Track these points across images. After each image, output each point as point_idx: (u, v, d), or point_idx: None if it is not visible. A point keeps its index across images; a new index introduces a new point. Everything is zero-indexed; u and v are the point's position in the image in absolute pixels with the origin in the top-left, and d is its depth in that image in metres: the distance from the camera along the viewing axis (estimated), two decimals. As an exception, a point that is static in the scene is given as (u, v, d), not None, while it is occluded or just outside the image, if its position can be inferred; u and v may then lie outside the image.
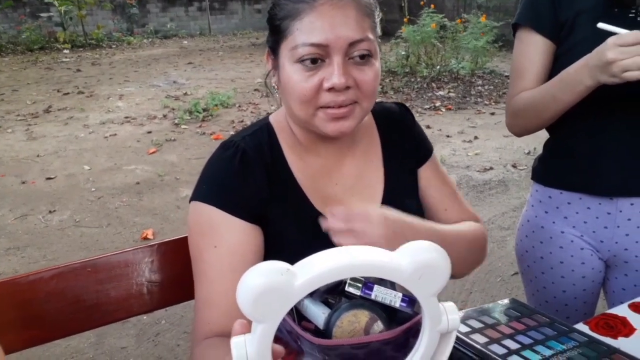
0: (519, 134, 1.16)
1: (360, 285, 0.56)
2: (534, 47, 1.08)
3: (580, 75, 0.93)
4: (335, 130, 0.76)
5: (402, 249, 0.44)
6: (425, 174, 0.94)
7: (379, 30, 0.80)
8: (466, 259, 0.89)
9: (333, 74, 0.72)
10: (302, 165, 0.84)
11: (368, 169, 0.89)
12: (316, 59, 0.72)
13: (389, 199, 0.87)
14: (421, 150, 0.95)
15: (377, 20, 0.79)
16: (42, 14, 12.24)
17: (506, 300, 0.88)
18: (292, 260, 0.76)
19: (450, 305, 0.50)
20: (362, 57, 0.73)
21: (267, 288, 0.40)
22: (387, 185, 0.89)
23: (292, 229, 0.81)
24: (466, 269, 0.90)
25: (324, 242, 0.80)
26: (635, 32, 0.85)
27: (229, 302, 0.73)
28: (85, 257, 0.94)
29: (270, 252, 0.81)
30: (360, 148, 0.89)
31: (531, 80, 1.08)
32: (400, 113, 0.95)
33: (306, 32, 0.72)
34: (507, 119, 1.16)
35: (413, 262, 0.42)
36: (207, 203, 0.78)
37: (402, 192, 0.90)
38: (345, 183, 0.86)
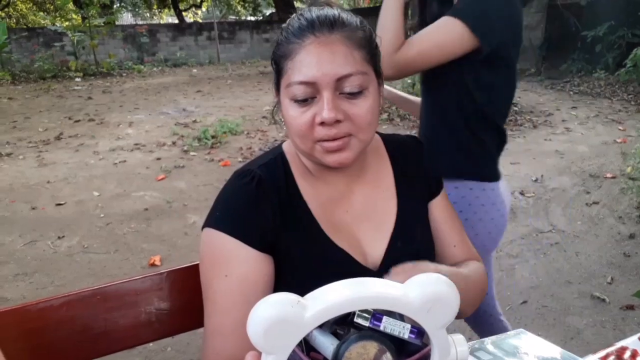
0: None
1: (369, 316, 0.56)
2: None
3: None
4: (334, 162, 0.78)
5: (411, 281, 0.45)
6: (436, 208, 0.96)
7: (374, 61, 0.80)
8: (474, 300, 0.92)
9: (323, 109, 0.74)
10: (313, 193, 0.85)
11: (379, 196, 0.90)
12: (306, 98, 0.75)
13: (401, 226, 0.88)
14: (432, 184, 0.96)
15: (377, 49, 0.80)
16: (55, 44, 12.53)
17: (515, 331, 0.88)
18: (302, 288, 0.78)
19: (459, 338, 0.50)
20: (352, 92, 0.75)
21: (277, 320, 0.40)
22: (399, 213, 0.89)
23: (303, 256, 0.81)
24: (470, 310, 0.92)
25: (335, 270, 0.81)
26: None
27: (239, 332, 0.73)
28: (94, 285, 0.94)
29: (281, 280, 0.82)
30: (370, 176, 0.90)
31: None
32: (413, 145, 0.97)
33: (296, 70, 0.75)
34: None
35: (422, 294, 0.43)
36: (220, 230, 0.78)
37: (415, 220, 0.92)
38: (355, 210, 0.87)
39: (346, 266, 0.83)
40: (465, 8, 1.21)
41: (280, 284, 0.81)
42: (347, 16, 0.78)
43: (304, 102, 0.75)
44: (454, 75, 1.25)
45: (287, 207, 0.82)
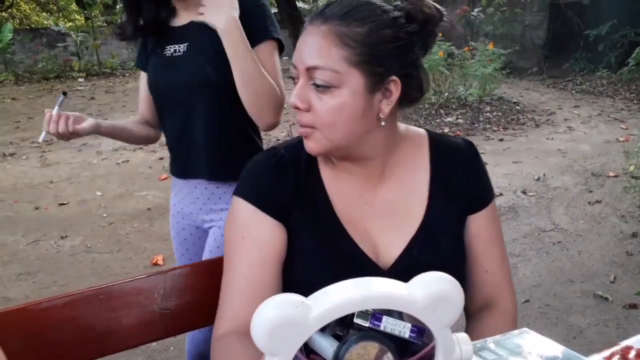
0: None
1: (368, 316, 0.55)
2: None
3: None
4: (305, 147, 0.80)
5: (416, 280, 0.45)
6: (475, 224, 0.89)
7: (368, 64, 0.74)
8: None
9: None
10: (334, 180, 0.85)
11: (406, 197, 0.86)
12: (294, 78, 0.78)
13: (424, 233, 0.84)
14: (477, 196, 0.89)
15: (368, 51, 0.73)
16: (58, 44, 12.52)
17: (519, 330, 0.87)
18: (306, 271, 0.81)
19: (463, 336, 0.50)
20: (319, 85, 0.74)
21: (282, 321, 0.40)
22: (426, 219, 0.85)
23: (312, 238, 0.83)
24: None
25: (342, 259, 0.82)
26: None
27: (251, 290, 0.79)
28: (97, 284, 0.94)
29: (287, 260, 0.84)
30: (400, 174, 0.86)
31: None
32: (464, 150, 0.90)
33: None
34: None
35: (427, 293, 0.43)
36: (241, 197, 0.84)
37: (442, 229, 0.86)
38: (375, 206, 0.85)
39: (354, 259, 0.82)
40: (268, 26, 1.28)
41: (285, 264, 0.83)
42: (356, 11, 0.74)
43: (294, 81, 0.79)
44: None
45: (303, 187, 0.84)
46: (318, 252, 0.82)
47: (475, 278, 0.90)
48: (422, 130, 0.92)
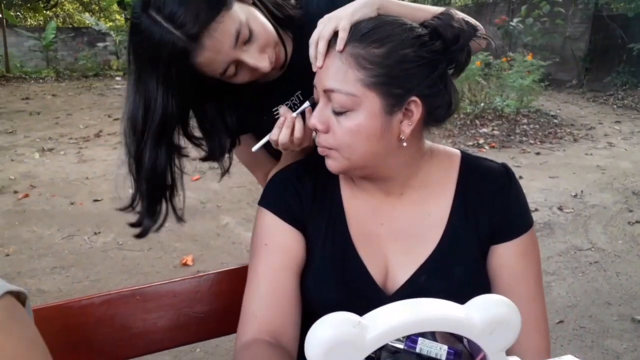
0: None
1: (403, 338, 0.53)
2: None
3: None
4: (326, 165, 0.80)
5: (473, 302, 0.43)
6: (500, 255, 0.81)
7: (385, 85, 0.72)
8: None
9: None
10: (352, 197, 0.85)
11: (423, 221, 0.82)
12: (315, 99, 0.79)
13: (435, 260, 0.81)
14: (504, 226, 0.81)
15: (385, 72, 0.71)
16: (98, 43, 12.89)
17: (563, 357, 0.84)
18: (311, 286, 0.81)
19: (516, 362, 0.48)
20: (334, 110, 0.74)
21: (339, 341, 0.38)
22: (440, 245, 0.81)
23: (322, 251, 0.83)
24: None
25: (347, 277, 0.81)
26: None
27: (275, 296, 0.79)
28: (128, 281, 0.96)
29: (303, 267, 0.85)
30: (420, 197, 0.83)
31: None
32: (496, 175, 0.84)
33: None
34: None
35: (485, 317, 0.41)
36: (262, 206, 0.86)
37: (457, 257, 0.81)
38: (391, 226, 0.83)
39: (359, 280, 0.80)
40: None
41: (301, 275, 0.84)
42: (376, 32, 0.72)
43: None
44: None
45: (320, 200, 0.84)
46: (325, 269, 0.82)
47: None
48: (455, 151, 0.88)
